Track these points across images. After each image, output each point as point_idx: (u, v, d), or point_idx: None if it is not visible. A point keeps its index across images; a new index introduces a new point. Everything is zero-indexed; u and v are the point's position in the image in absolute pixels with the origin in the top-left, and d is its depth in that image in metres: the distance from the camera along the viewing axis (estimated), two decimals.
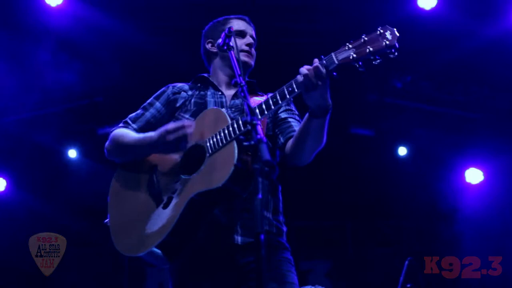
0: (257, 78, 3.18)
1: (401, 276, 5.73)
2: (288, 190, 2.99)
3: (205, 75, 3.18)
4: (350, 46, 2.55)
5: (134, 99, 3.21)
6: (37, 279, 7.64)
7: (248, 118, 2.39)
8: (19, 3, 5.98)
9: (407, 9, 6.13)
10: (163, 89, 3.15)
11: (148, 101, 3.12)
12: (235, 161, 2.58)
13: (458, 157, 7.57)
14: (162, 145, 2.76)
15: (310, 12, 6.22)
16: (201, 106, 2.99)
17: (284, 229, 2.93)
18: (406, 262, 5.75)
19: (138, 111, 3.11)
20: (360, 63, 2.53)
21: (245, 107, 2.44)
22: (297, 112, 3.07)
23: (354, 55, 2.52)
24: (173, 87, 3.14)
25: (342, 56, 2.56)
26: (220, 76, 3.13)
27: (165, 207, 2.74)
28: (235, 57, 2.74)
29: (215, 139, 2.70)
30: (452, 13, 6.12)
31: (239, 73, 2.62)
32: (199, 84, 3.14)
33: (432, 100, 7.27)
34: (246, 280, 2.72)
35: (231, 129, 2.67)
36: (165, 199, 2.77)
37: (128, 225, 2.86)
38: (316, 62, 2.59)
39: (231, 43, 2.81)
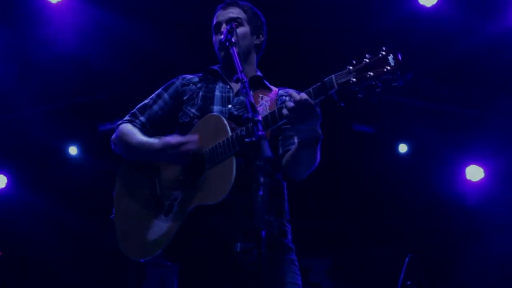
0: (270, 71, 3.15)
1: (402, 273, 5.73)
2: (288, 188, 2.99)
3: (216, 67, 3.13)
4: (351, 68, 2.41)
5: (136, 95, 3.20)
6: (38, 275, 7.67)
7: (250, 115, 2.37)
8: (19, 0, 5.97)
9: (408, 6, 6.11)
10: (173, 80, 3.12)
11: (157, 92, 3.09)
12: (233, 177, 2.55)
13: (458, 154, 7.56)
14: (163, 156, 2.75)
15: (310, 9, 6.20)
16: (208, 100, 2.96)
17: (288, 229, 2.89)
18: (407, 259, 5.75)
19: (146, 101, 3.07)
20: (361, 89, 2.39)
21: (247, 104, 2.42)
22: None
23: (354, 80, 2.38)
24: (183, 78, 3.10)
25: (342, 80, 2.42)
26: (227, 69, 3.07)
27: (166, 214, 2.75)
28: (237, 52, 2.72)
29: (214, 152, 2.67)
30: (453, 10, 6.11)
31: (241, 69, 2.60)
32: (209, 76, 3.10)
33: (433, 97, 7.26)
34: (249, 279, 2.70)
35: (230, 142, 2.63)
36: (166, 205, 2.77)
37: (130, 227, 2.87)
38: (303, 95, 2.46)
39: (233, 39, 2.79)
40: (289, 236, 2.89)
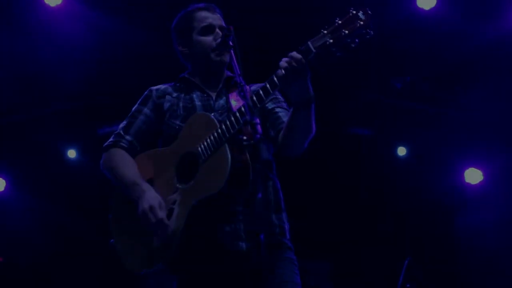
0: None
1: (401, 276, 5.73)
2: (287, 190, 2.99)
3: (187, 75, 3.13)
4: (326, 32, 2.52)
5: (135, 99, 3.19)
6: (37, 279, 7.66)
7: (248, 118, 2.38)
8: (18, 3, 5.96)
9: (407, 9, 6.12)
10: (146, 93, 3.11)
11: (134, 109, 3.08)
12: (229, 163, 2.57)
13: (457, 157, 7.56)
14: (140, 211, 2.73)
15: (305, 11, 6.19)
16: (190, 110, 2.96)
17: (287, 227, 2.90)
18: (406, 262, 5.76)
19: (127, 121, 3.06)
20: (338, 48, 2.50)
21: (246, 107, 2.43)
22: (282, 99, 3.02)
23: (331, 41, 2.50)
24: (156, 90, 3.09)
25: (318, 43, 2.53)
26: (200, 76, 3.09)
27: (167, 219, 2.72)
28: (235, 56, 2.72)
29: (206, 145, 2.69)
30: (452, 13, 6.11)
31: (239, 72, 2.61)
32: (182, 85, 3.10)
33: (431, 100, 7.27)
34: (251, 282, 2.70)
35: (220, 132, 2.66)
36: (166, 211, 2.75)
37: (133, 243, 2.84)
38: (294, 53, 2.56)
39: (230, 43, 2.80)
40: (288, 235, 2.89)
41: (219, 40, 2.92)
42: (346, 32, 2.47)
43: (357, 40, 2.49)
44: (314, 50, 2.53)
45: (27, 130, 7.16)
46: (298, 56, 2.54)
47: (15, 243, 7.62)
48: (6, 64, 6.38)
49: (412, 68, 6.91)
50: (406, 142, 7.88)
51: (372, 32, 2.47)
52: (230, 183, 2.58)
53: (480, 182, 7.62)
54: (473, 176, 7.64)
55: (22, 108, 7.07)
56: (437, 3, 6.04)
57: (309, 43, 2.55)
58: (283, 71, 2.56)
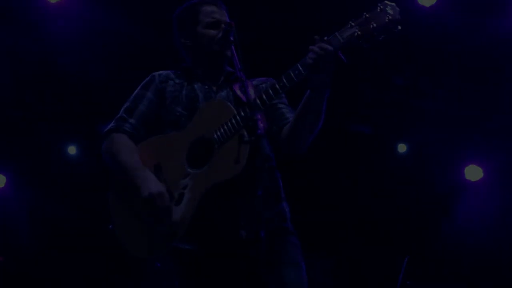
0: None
1: (401, 274, 5.74)
2: (287, 187, 2.98)
3: (189, 66, 3.13)
4: (353, 24, 2.55)
5: None
6: (37, 277, 7.66)
7: (249, 113, 2.38)
8: (19, 0, 5.97)
9: (407, 6, 6.11)
10: (149, 78, 3.08)
11: (136, 93, 3.05)
12: (248, 148, 2.58)
13: (457, 154, 7.56)
14: (142, 199, 2.70)
15: (304, 9, 6.18)
16: (193, 99, 2.95)
17: (288, 215, 2.89)
18: (406, 260, 5.76)
19: (130, 104, 3.02)
20: (365, 40, 2.54)
21: (246, 102, 2.44)
22: (284, 95, 3.01)
23: (359, 32, 2.53)
24: (159, 75, 3.08)
25: (346, 34, 2.56)
26: (201, 68, 3.08)
27: (177, 204, 2.70)
28: (235, 51, 2.73)
29: (222, 130, 2.68)
30: (452, 10, 6.11)
31: (239, 67, 2.61)
32: (184, 75, 3.09)
33: (431, 96, 7.27)
34: (251, 272, 2.70)
35: (238, 118, 2.65)
36: (176, 195, 2.72)
37: (138, 228, 2.80)
38: (324, 43, 2.57)
39: (231, 38, 2.80)
40: (289, 222, 2.88)
41: (220, 34, 2.93)
42: (375, 25, 2.51)
43: (384, 33, 2.53)
44: (342, 41, 2.56)
45: (28, 127, 7.16)
46: (327, 45, 2.56)
47: (15, 239, 7.62)
48: (7, 61, 6.37)
49: (412, 65, 6.90)
50: (406, 139, 7.88)
51: (399, 27, 2.51)
52: (246, 169, 2.58)
53: (481, 179, 7.62)
54: (474, 173, 7.63)
55: (22, 104, 7.07)
56: (437, 1, 6.03)
57: (336, 33, 2.59)
58: (311, 60, 2.58)
